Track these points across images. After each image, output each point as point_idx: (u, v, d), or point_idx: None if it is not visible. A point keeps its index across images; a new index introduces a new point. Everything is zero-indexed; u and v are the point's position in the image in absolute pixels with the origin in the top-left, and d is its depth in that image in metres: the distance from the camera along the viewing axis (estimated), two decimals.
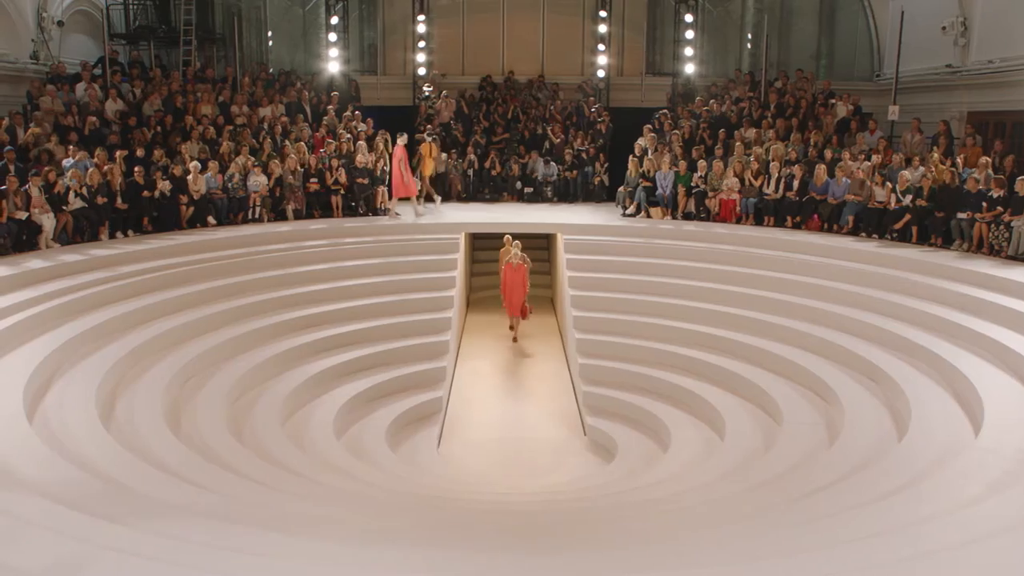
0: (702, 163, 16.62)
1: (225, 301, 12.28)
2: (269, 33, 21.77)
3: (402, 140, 16.67)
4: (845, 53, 21.83)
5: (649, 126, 18.40)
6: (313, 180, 16.13)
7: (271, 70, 20.17)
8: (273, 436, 9.22)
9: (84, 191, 13.48)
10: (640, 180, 16.97)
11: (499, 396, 12.70)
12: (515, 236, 16.86)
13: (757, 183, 16.05)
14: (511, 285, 14.83)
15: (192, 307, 11.84)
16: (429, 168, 17.81)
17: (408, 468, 9.76)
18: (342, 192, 16.29)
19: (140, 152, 15.02)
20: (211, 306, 12.01)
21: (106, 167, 14.01)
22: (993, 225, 12.87)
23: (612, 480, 9.56)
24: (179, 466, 7.39)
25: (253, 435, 9.19)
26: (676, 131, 18.02)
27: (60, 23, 18.18)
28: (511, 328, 15.33)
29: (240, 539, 5.45)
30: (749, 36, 22.54)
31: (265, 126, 17.34)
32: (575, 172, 19.16)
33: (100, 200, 13.52)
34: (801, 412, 9.83)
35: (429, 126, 19.27)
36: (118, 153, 14.50)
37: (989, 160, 13.89)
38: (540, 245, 18.32)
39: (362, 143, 17.14)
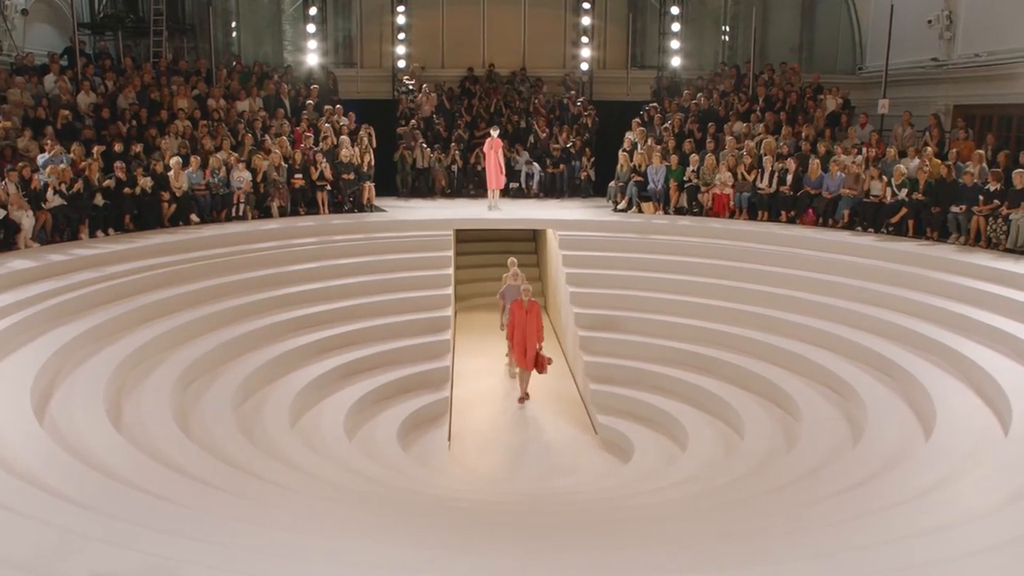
0: (694, 157, 16.79)
1: (218, 301, 12.13)
2: (233, 24, 21.49)
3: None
4: (826, 46, 22.19)
5: (638, 120, 18.53)
6: (298, 176, 15.96)
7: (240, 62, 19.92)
8: (287, 440, 9.17)
9: (63, 188, 13.19)
10: (631, 175, 17.09)
11: (503, 395, 12.70)
12: (505, 233, 16.93)
13: (750, 177, 16.27)
14: (523, 329, 12.09)
15: (185, 308, 11.68)
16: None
17: (425, 471, 9.76)
18: (328, 188, 16.15)
19: (118, 147, 14.72)
20: (205, 307, 11.85)
21: (83, 163, 13.75)
22: (991, 218, 13.21)
23: (633, 480, 9.63)
24: (201, 471, 7.32)
25: (266, 439, 9.10)
26: (666, 125, 18.18)
27: (24, 11, 17.74)
28: (521, 393, 12.46)
29: (273, 540, 5.46)
30: (726, 28, 22.86)
31: (243, 120, 17.12)
32: (561, 167, 19.24)
33: (77, 186, 13.24)
34: (818, 408, 10.00)
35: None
36: (96, 149, 14.20)
37: (983, 154, 14.26)
38: (528, 248, 18.35)
39: (345, 137, 17.02)
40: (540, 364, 12.20)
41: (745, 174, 16.31)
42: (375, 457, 9.65)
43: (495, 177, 17.27)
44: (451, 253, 15.02)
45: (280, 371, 11.03)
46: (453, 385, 12.68)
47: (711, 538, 6.24)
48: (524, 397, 12.44)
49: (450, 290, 14.17)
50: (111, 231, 13.76)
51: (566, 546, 6.09)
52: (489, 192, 17.48)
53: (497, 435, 11.37)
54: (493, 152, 17.18)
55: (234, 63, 19.32)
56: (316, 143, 16.84)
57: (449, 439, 11.12)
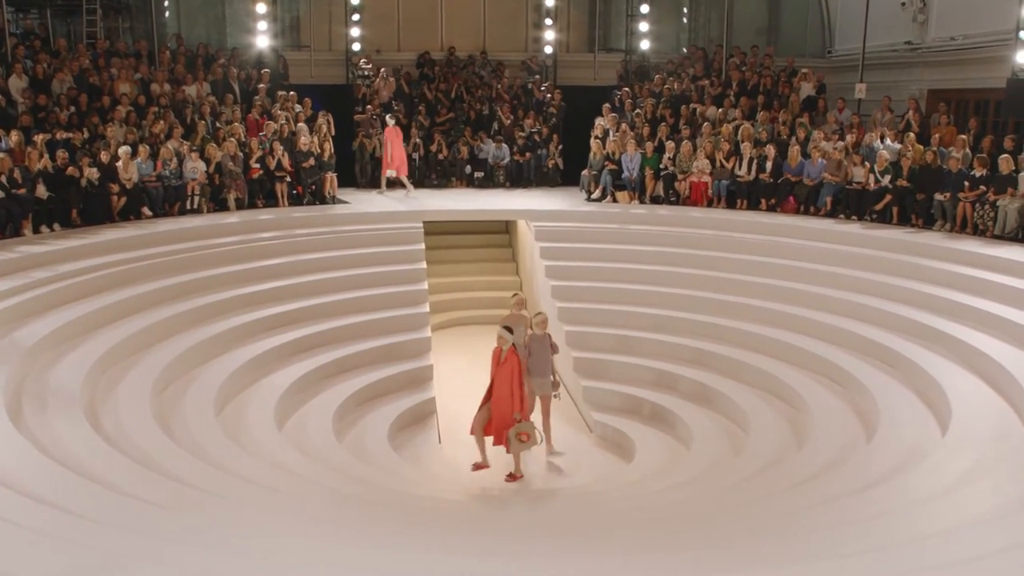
0: (670, 144, 17.00)
1: (183, 301, 11.90)
2: (167, 3, 20.98)
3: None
4: (794, 29, 22.55)
5: (608, 105, 18.69)
6: (255, 166, 15.71)
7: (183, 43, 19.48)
8: (278, 446, 9.11)
9: (2, 179, 12.75)
10: (605, 163, 17.24)
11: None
12: (477, 224, 16.86)
13: (729, 165, 16.54)
14: (502, 387, 9.58)
15: (149, 308, 11.46)
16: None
17: (427, 475, 9.75)
18: (287, 179, 15.94)
19: (60, 135, 14.29)
20: (169, 307, 11.63)
21: (24, 152, 13.32)
22: (978, 205, 13.69)
23: (641, 478, 9.76)
24: (200, 481, 7.25)
25: (256, 445, 9.01)
26: (639, 110, 18.36)
27: None
28: (515, 470, 9.83)
29: (309, 551, 5.44)
30: (685, 10, 23.18)
31: (191, 106, 16.78)
32: (528, 155, 19.29)
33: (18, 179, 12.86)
34: (824, 400, 10.25)
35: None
36: (39, 136, 13.77)
37: (966, 139, 14.76)
38: (502, 242, 18.35)
39: (303, 125, 16.82)
40: (503, 436, 9.60)
41: (724, 161, 16.58)
42: (370, 461, 9.64)
43: (403, 164, 17.85)
44: (422, 246, 14.96)
45: (257, 373, 10.91)
46: (435, 384, 12.65)
47: (730, 539, 6.32)
48: (512, 474, 9.82)
49: (424, 285, 14.12)
50: (56, 226, 13.36)
51: (574, 549, 6.15)
52: (403, 179, 17.87)
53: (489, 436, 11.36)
54: (399, 140, 17.79)
55: (178, 45, 18.86)
56: (273, 131, 16.59)
57: (440, 440, 11.12)
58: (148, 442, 8.01)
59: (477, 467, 9.89)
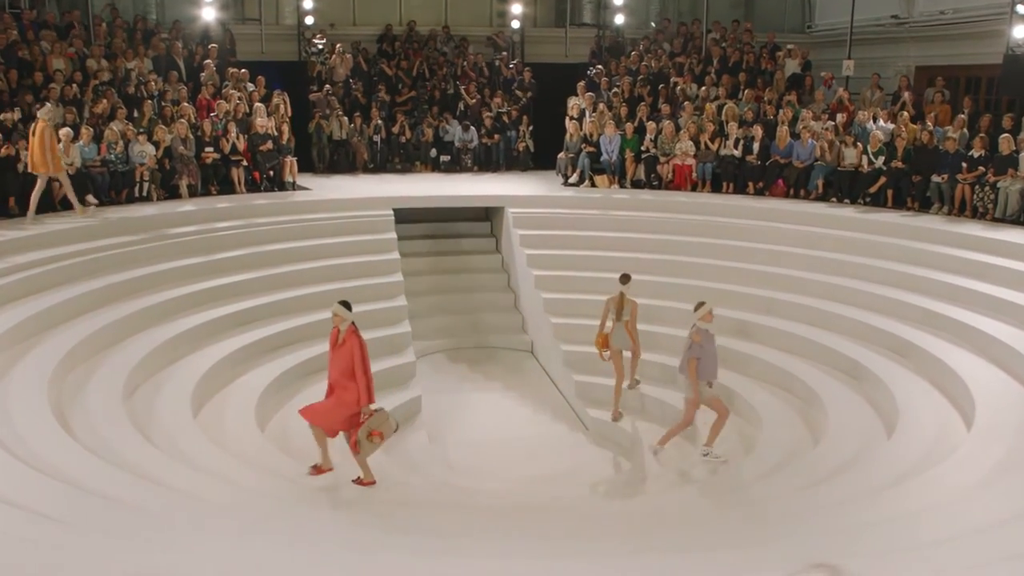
0: (651, 125, 17.10)
1: (140, 297, 11.71)
2: None
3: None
4: (771, 2, 22.83)
5: (583, 84, 18.75)
6: (209, 149, 15.44)
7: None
8: (267, 448, 9.07)
9: None
10: (582, 145, 17.29)
11: (475, 391, 12.81)
12: (450, 212, 16.70)
13: (714, 146, 16.69)
14: (342, 374, 8.33)
15: (104, 306, 11.27)
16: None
17: (421, 475, 9.76)
18: (244, 164, 15.70)
19: None
20: (126, 303, 11.44)
21: None
22: (977, 187, 14.04)
23: (646, 477, 9.87)
24: (186, 484, 7.32)
25: (244, 450, 8.93)
26: (616, 89, 18.45)
27: None
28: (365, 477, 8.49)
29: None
30: None
31: (134, 84, 16.42)
32: (496, 137, 19.28)
33: None
34: (834, 391, 10.44)
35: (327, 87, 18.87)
36: None
37: (964, 119, 15.12)
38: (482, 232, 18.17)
39: (259, 105, 16.59)
40: (349, 434, 8.31)
41: (708, 143, 16.73)
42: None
43: None
44: (394, 235, 14.89)
45: (231, 373, 10.82)
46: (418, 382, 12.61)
47: (746, 540, 6.47)
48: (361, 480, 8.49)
49: (399, 276, 14.06)
50: None
51: (576, 550, 6.25)
52: None
53: (481, 436, 11.41)
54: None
55: (114, 17, 18.42)
56: (225, 111, 16.32)
57: (428, 441, 11.11)
58: (130, 448, 7.97)
59: (317, 470, 8.47)
